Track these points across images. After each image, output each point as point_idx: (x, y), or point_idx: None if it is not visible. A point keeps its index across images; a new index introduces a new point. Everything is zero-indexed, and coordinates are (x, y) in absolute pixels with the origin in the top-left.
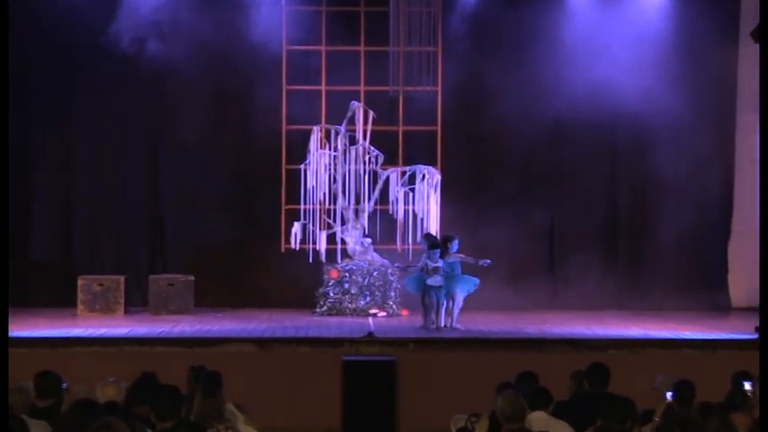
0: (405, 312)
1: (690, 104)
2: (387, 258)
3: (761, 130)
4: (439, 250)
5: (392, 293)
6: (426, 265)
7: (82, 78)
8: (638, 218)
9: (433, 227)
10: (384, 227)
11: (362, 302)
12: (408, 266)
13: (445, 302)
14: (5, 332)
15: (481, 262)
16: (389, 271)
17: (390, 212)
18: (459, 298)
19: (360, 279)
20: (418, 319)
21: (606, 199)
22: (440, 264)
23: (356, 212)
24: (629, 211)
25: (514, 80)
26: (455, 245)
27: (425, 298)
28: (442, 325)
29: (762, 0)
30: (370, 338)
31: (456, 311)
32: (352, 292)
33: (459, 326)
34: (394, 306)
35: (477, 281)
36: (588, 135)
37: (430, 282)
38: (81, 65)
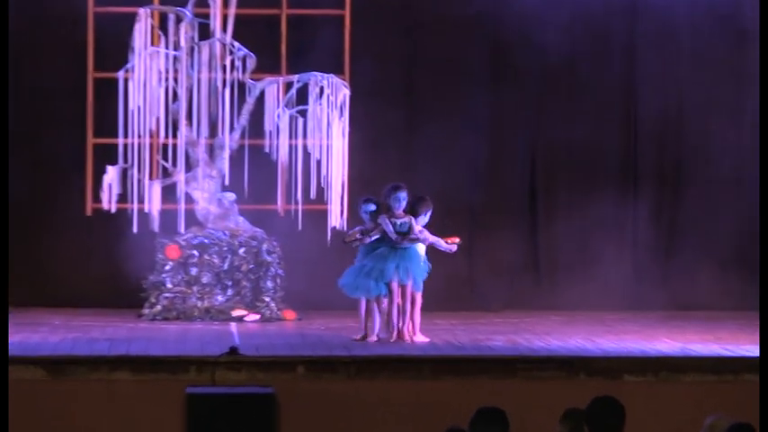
0: (290, 315)
1: None
2: (261, 228)
3: (761, 130)
4: (430, 212)
5: (269, 284)
6: (411, 237)
7: None
8: (670, 158)
9: (337, 174)
10: (257, 174)
11: (221, 299)
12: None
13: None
14: (5, 334)
15: (449, 246)
16: (265, 248)
17: (267, 151)
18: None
19: (216, 261)
20: (310, 327)
21: (622, 125)
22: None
23: (211, 151)
24: (657, 147)
25: None
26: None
27: (391, 294)
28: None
29: (762, 1)
30: (233, 358)
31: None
32: (204, 281)
33: (424, 338)
34: (272, 305)
35: (429, 266)
36: (607, 24)
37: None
38: None
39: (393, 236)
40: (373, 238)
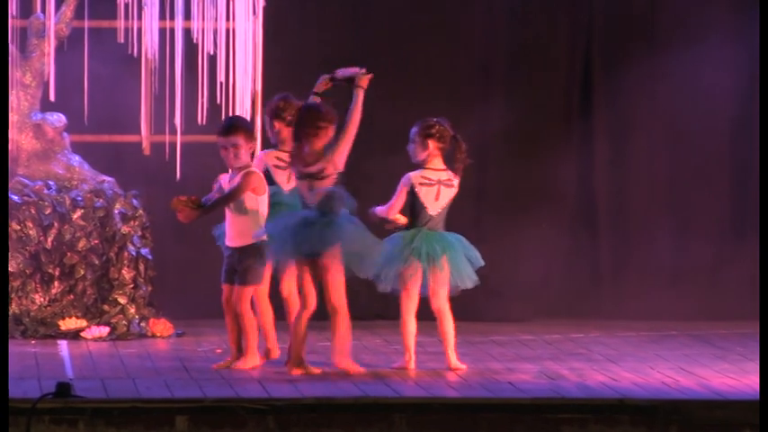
0: (163, 328)
1: None
2: (112, 176)
3: (761, 131)
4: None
5: (126, 274)
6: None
7: None
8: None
9: (245, 80)
10: (105, 83)
11: (41, 299)
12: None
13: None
14: (5, 332)
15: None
16: (119, 210)
17: (122, 41)
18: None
19: (33, 232)
20: (197, 349)
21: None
22: None
23: (22, 40)
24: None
25: None
26: None
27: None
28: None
29: (762, 1)
30: (63, 402)
31: None
32: (11, 269)
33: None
34: (132, 310)
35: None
36: None
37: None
38: None
39: None
40: None
